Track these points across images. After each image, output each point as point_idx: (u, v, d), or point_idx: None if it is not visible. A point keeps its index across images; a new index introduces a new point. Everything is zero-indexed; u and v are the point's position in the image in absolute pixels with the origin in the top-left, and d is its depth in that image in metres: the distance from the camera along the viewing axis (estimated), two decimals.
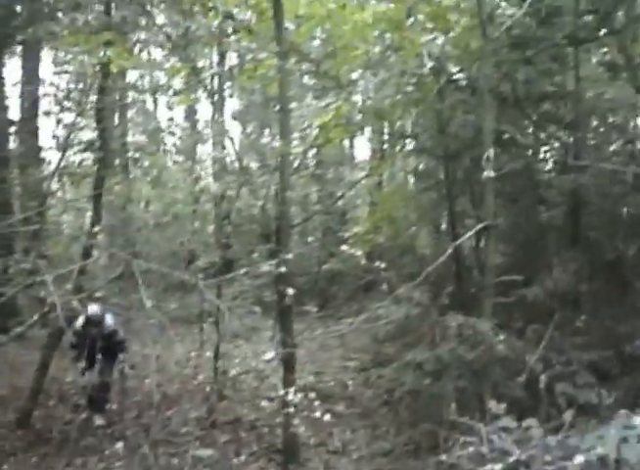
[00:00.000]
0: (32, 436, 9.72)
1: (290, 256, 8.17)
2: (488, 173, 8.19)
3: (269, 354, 13.86)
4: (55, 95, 13.13)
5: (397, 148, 14.63)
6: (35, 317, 6.69)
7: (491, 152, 8.17)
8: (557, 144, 11.56)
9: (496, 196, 9.37)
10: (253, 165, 12.77)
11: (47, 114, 13.78)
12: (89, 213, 12.59)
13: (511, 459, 6.39)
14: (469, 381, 8.24)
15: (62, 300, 5.76)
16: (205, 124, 20.27)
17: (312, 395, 9.96)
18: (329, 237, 19.53)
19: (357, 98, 10.60)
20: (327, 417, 10.25)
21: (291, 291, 8.24)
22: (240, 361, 14.33)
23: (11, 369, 12.09)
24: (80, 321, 10.16)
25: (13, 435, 9.73)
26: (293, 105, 11.26)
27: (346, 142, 23.64)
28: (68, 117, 13.02)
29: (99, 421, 10.23)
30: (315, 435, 9.73)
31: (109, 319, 10.39)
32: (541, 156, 11.95)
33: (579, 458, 6.03)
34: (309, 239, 16.99)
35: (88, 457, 9.06)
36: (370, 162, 19.45)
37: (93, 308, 10.12)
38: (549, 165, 12.11)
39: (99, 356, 10.51)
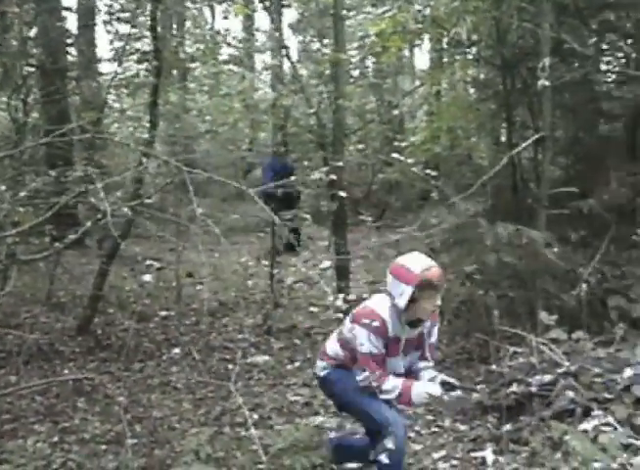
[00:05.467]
0: (92, 342, 9.94)
1: (340, 163, 8.10)
2: (544, 83, 8.07)
3: (325, 263, 13.96)
4: (111, 6, 13.12)
5: (456, 57, 14.39)
6: (88, 225, 6.75)
7: (547, 61, 8.03)
8: (618, 55, 11.28)
9: (555, 107, 9.22)
10: (310, 75, 12.67)
11: (106, 23, 13.80)
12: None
13: (560, 371, 6.42)
14: (520, 291, 8.24)
15: (113, 207, 5.81)
16: (262, 34, 20.12)
17: None
18: (386, 146, 19.42)
19: (415, 6, 10.36)
20: None
21: (343, 193, 8.19)
22: (296, 270, 14.46)
23: (71, 278, 12.32)
24: None
25: (73, 341, 9.95)
26: (350, 13, 11.12)
27: (407, 52, 23.37)
28: (125, 29, 13.05)
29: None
30: None
31: None
32: (602, 67, 11.66)
33: (629, 372, 6.05)
34: (360, 147, 16.85)
35: (146, 362, 9.26)
36: (429, 71, 19.21)
37: None
38: (610, 77, 11.83)
39: None
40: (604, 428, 5.61)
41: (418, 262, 5.03)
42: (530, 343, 6.77)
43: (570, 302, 7.82)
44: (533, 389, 6.43)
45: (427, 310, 5.06)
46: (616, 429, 5.56)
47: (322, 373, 5.49)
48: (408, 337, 5.20)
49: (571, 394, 6.14)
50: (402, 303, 4.97)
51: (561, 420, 5.94)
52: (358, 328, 5.10)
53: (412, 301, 4.97)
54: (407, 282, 4.94)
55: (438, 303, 5.08)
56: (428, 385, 5.15)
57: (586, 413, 5.90)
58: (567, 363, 6.46)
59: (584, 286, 7.74)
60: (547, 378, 6.47)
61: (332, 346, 5.48)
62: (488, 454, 6.05)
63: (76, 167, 7.66)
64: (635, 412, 5.70)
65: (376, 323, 5.04)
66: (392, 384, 5.08)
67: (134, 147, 7.79)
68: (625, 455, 5.14)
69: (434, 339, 5.50)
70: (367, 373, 5.09)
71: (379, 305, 5.18)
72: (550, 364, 6.65)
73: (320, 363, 5.55)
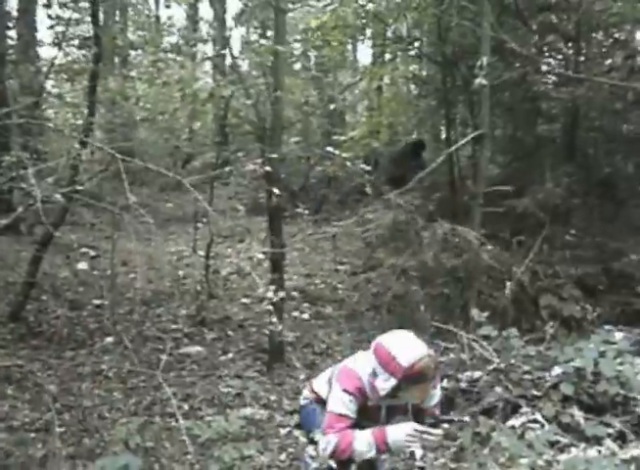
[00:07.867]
0: (24, 329, 9.78)
1: (275, 155, 8.07)
2: (481, 81, 8.13)
3: (260, 255, 13.93)
4: None
5: (396, 53, 14.46)
6: (20, 210, 6.65)
7: (485, 59, 8.09)
8: (558, 56, 11.41)
9: (494, 106, 9.30)
10: (251, 66, 12.63)
11: (46, 6, 13.57)
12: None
13: (490, 367, 6.50)
14: (453, 288, 8.32)
15: (45, 193, 5.71)
16: (205, 24, 20.00)
17: (301, 296, 10.03)
18: (326, 140, 19.41)
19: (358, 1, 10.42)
20: (315, 319, 10.39)
21: (277, 190, 8.16)
22: (231, 261, 14.37)
23: (4, 264, 12.13)
24: None
25: (4, 328, 9.78)
26: (293, 6, 11.10)
27: (350, 47, 23.39)
28: (66, 13, 12.87)
29: None
30: (302, 336, 9.84)
31: None
32: (542, 67, 11.79)
33: (557, 370, 6.13)
34: (298, 139, 16.82)
35: (78, 351, 9.15)
36: (370, 66, 19.26)
37: None
38: (549, 77, 11.96)
39: None
40: (531, 425, 5.70)
41: (406, 352, 4.14)
42: (461, 339, 6.84)
43: (501, 299, 7.92)
44: (463, 385, 6.51)
45: (416, 397, 4.35)
46: (543, 426, 5.64)
47: (302, 402, 5.12)
48: (391, 404, 4.46)
49: (499, 390, 6.22)
50: (383, 391, 4.21)
51: (489, 416, 6.01)
52: (337, 385, 4.45)
53: (398, 389, 4.19)
54: (392, 373, 4.15)
55: (436, 388, 4.57)
56: (402, 426, 4.28)
57: (514, 410, 5.99)
58: (497, 360, 6.54)
59: (509, 284, 7.85)
60: (477, 374, 6.55)
61: (320, 383, 4.92)
62: (417, 449, 6.08)
63: (12, 153, 7.49)
64: (562, 410, 5.79)
65: (353, 389, 4.35)
66: (364, 440, 4.28)
67: (69, 133, 7.67)
68: (552, 452, 5.21)
69: (434, 402, 4.67)
70: (327, 438, 4.35)
71: (363, 369, 4.38)
72: (480, 361, 6.73)
73: (304, 392, 5.16)
